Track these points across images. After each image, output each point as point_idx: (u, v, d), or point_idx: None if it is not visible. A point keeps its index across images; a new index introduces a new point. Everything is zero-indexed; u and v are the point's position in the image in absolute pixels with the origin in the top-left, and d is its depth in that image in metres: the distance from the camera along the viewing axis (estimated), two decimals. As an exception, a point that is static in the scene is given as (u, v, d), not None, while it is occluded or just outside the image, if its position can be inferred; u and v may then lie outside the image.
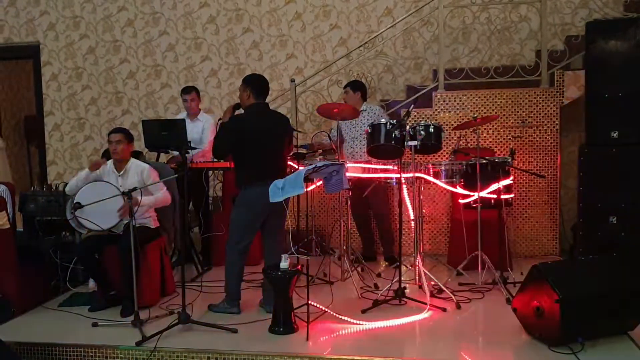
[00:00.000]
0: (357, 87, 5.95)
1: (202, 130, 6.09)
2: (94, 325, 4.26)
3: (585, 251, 5.01)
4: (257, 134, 4.33)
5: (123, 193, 4.27)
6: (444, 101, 6.27)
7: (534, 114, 6.09)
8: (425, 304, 4.42)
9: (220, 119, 4.72)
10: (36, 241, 5.27)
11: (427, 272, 4.76)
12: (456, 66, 6.50)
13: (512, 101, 6.13)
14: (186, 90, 6.20)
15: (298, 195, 4.01)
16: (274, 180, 4.05)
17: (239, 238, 4.38)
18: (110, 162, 4.83)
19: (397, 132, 4.60)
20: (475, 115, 5.00)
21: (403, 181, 4.91)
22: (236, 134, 4.34)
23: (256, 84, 4.48)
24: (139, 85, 8.05)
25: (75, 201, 4.49)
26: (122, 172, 4.76)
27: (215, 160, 5.38)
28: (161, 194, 4.76)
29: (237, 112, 4.58)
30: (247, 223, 4.38)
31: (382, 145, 4.69)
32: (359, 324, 4.16)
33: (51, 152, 8.39)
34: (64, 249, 5.25)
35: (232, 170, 5.13)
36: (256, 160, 4.34)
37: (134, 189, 4.27)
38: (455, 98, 6.26)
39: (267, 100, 4.58)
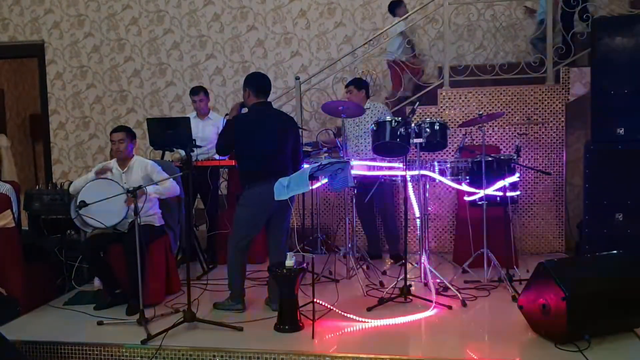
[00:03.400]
0: (361, 85, 5.93)
1: (217, 129, 6.09)
2: (100, 323, 4.27)
3: (591, 248, 4.99)
4: (260, 132, 4.33)
5: (127, 191, 4.26)
6: (449, 98, 6.25)
7: (540, 111, 6.07)
8: (431, 301, 4.40)
9: (227, 114, 4.72)
10: (41, 240, 5.28)
11: (432, 269, 4.75)
12: (461, 63, 6.48)
13: (517, 98, 6.11)
14: (194, 92, 6.19)
15: (303, 193, 4.00)
16: (278, 179, 4.05)
17: (241, 236, 4.38)
18: (113, 161, 4.83)
19: (402, 130, 4.59)
20: (481, 113, 4.97)
21: (408, 179, 4.89)
22: (239, 133, 4.35)
23: (254, 84, 4.47)
24: (144, 83, 8.05)
25: (79, 199, 4.49)
26: (125, 170, 4.76)
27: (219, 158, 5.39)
28: (168, 183, 4.74)
29: (243, 111, 4.58)
30: (250, 221, 4.37)
31: (388, 143, 4.68)
32: (365, 321, 4.14)
33: (56, 151, 8.40)
34: (69, 248, 5.26)
35: (236, 168, 5.11)
36: (259, 158, 4.33)
37: (139, 187, 4.26)
38: (460, 95, 6.24)
39: (272, 99, 4.58)
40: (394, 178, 5.26)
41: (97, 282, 5.12)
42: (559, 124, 6.05)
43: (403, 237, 4.81)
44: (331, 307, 4.30)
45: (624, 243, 4.63)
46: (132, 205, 4.16)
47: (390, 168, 5.23)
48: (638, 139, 4.92)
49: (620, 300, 3.70)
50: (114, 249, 4.70)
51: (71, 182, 5.01)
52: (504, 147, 6.12)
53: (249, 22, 7.71)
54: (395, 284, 4.63)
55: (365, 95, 5.91)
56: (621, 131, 4.95)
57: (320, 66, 7.36)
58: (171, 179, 4.79)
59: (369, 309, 4.37)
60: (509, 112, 6.12)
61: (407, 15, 6.69)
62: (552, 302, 3.60)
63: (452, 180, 5.13)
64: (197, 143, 5.54)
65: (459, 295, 4.56)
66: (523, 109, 6.10)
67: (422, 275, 4.92)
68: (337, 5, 7.48)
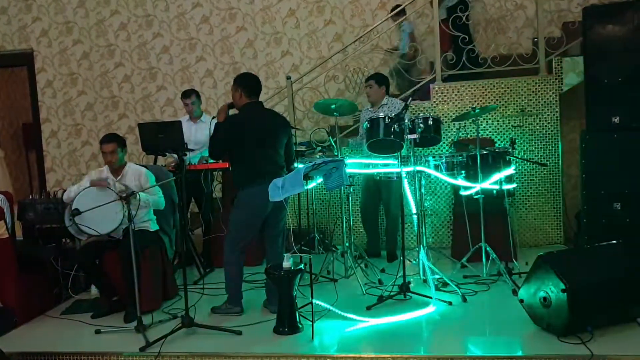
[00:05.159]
0: (382, 81, 5.80)
1: (209, 132, 6.04)
2: (97, 332, 4.22)
3: (590, 239, 4.97)
4: (254, 133, 4.29)
5: (121, 197, 4.22)
6: (442, 93, 6.22)
7: (534, 102, 6.05)
8: (431, 298, 4.38)
9: (214, 117, 4.68)
10: (36, 249, 5.23)
11: (431, 265, 4.72)
12: (453, 57, 6.44)
13: (510, 90, 6.08)
14: (186, 94, 6.15)
15: (298, 193, 3.97)
16: (273, 180, 4.01)
17: (238, 239, 4.35)
18: (106, 167, 4.78)
19: (395, 126, 4.55)
20: (474, 106, 4.94)
21: (404, 175, 4.86)
22: (232, 134, 4.30)
23: (247, 83, 4.43)
24: (135, 88, 8.01)
25: (73, 207, 4.45)
26: (119, 177, 4.72)
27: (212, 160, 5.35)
28: (157, 197, 4.72)
29: (231, 112, 4.54)
30: (246, 224, 4.34)
31: (381, 140, 4.65)
32: (365, 320, 4.11)
33: (49, 159, 8.35)
34: (64, 256, 5.21)
35: (230, 170, 5.08)
36: (254, 159, 4.29)
37: (132, 192, 4.23)
38: (453, 89, 6.21)
39: (264, 99, 4.55)
40: (389, 175, 5.22)
41: (94, 290, 5.08)
42: (554, 115, 6.02)
43: (401, 233, 4.77)
44: (330, 308, 4.27)
45: (623, 232, 4.61)
46: (126, 212, 4.12)
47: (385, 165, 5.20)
48: (634, 127, 4.90)
49: (622, 290, 3.68)
50: (109, 256, 4.66)
51: (65, 191, 4.96)
52: (499, 139, 6.09)
53: (238, 23, 7.68)
54: (394, 282, 4.60)
55: (385, 92, 5.83)
56: (616, 119, 4.93)
57: (312, 65, 7.33)
58: (160, 194, 4.76)
59: (369, 308, 4.34)
60: (503, 104, 6.09)
61: (405, 4, 6.63)
62: (553, 294, 3.58)
63: (448, 175, 5.11)
64: (190, 146, 5.53)
65: (458, 290, 4.53)
66: (517, 100, 6.08)
67: (421, 271, 4.89)
68: (326, 3, 7.45)
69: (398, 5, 6.73)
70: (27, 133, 9.62)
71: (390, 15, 6.74)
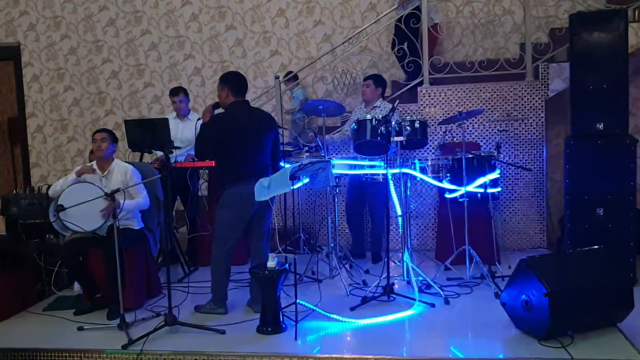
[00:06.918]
0: (380, 83, 5.83)
1: (194, 130, 6.02)
2: (80, 329, 4.20)
3: (572, 243, 5.00)
4: (239, 132, 4.28)
5: (106, 194, 4.21)
6: (429, 96, 6.25)
7: (520, 107, 6.09)
8: (414, 299, 4.40)
9: (199, 118, 4.66)
10: (19, 245, 5.19)
11: (415, 267, 4.74)
12: (440, 61, 6.48)
13: (497, 95, 6.12)
14: (174, 92, 6.13)
15: (285, 193, 3.97)
16: (259, 179, 4.01)
17: (225, 239, 4.34)
18: (93, 164, 4.76)
19: (382, 128, 4.57)
20: (461, 110, 4.97)
21: (390, 177, 4.88)
22: (218, 134, 4.29)
23: (233, 82, 4.42)
24: (122, 85, 7.97)
25: (58, 203, 4.42)
26: (105, 173, 4.70)
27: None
28: (141, 199, 4.71)
29: (216, 111, 4.53)
30: (232, 223, 4.33)
31: (368, 142, 4.67)
32: (348, 321, 4.13)
33: (34, 154, 8.29)
34: (48, 252, 5.18)
35: (216, 169, 5.07)
36: (239, 159, 4.29)
37: (117, 190, 4.22)
38: (440, 93, 6.24)
39: (252, 98, 4.54)
40: (375, 176, 5.24)
41: (77, 287, 5.06)
42: (539, 120, 6.07)
43: (385, 235, 4.80)
44: (314, 308, 4.28)
45: (605, 238, 4.65)
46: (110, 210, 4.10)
47: (372, 167, 5.21)
48: (617, 134, 4.94)
49: (602, 295, 3.72)
50: (93, 252, 4.63)
51: (50, 186, 4.93)
52: (485, 143, 6.13)
53: (227, 22, 7.67)
54: (378, 283, 4.62)
55: (381, 94, 5.85)
56: (600, 126, 4.96)
57: (300, 65, 7.33)
58: (144, 195, 4.75)
59: (352, 309, 4.36)
60: (489, 108, 6.13)
61: (392, 9, 6.67)
62: (535, 298, 3.61)
63: (433, 178, 5.13)
64: (177, 144, 5.50)
65: (441, 292, 4.56)
66: (503, 105, 6.12)
67: (405, 273, 4.92)
68: (316, 3, 7.46)
69: (290, 72, 7.05)
70: (13, 127, 9.53)
71: (285, 79, 7.00)
